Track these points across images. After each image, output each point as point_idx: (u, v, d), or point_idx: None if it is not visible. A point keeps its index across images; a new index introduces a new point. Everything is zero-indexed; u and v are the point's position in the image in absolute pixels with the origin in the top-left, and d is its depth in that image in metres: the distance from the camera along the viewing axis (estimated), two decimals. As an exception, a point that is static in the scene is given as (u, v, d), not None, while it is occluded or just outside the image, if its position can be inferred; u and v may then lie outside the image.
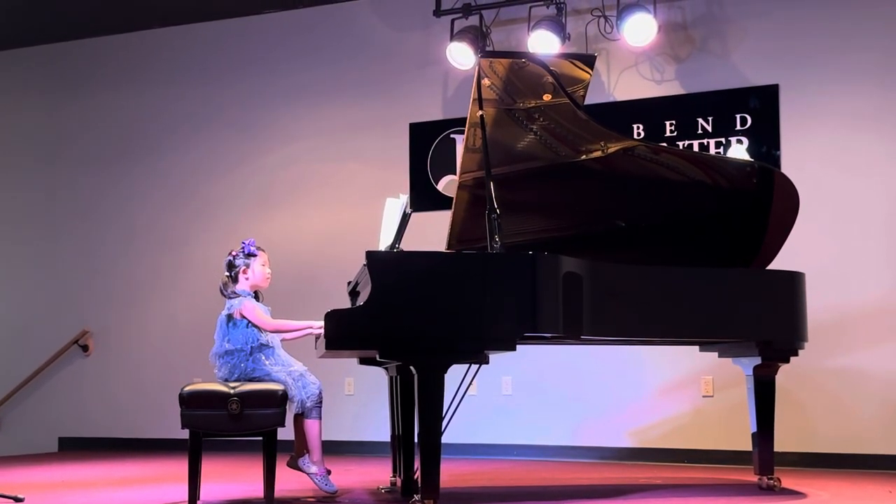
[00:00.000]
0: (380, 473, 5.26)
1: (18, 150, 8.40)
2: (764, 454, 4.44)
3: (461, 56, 6.71)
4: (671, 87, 6.59)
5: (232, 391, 4.04)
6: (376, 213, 4.48)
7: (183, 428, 4.03)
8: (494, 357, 3.97)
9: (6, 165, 8.39)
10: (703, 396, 6.25)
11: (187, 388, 4.08)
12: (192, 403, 4.02)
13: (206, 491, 4.39)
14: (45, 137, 8.31)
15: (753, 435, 4.48)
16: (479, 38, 6.71)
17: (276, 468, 4.09)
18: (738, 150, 6.31)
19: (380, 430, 6.08)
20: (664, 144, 6.25)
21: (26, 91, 8.46)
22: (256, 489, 4.48)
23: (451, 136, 7.10)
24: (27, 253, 8.24)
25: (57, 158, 8.24)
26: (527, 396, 6.65)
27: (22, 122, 8.40)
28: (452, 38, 6.75)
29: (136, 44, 8.16)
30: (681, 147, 6.34)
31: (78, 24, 8.00)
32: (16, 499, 4.44)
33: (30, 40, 8.29)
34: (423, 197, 6.95)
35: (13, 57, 8.48)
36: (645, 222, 4.62)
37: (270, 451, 4.06)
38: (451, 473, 5.35)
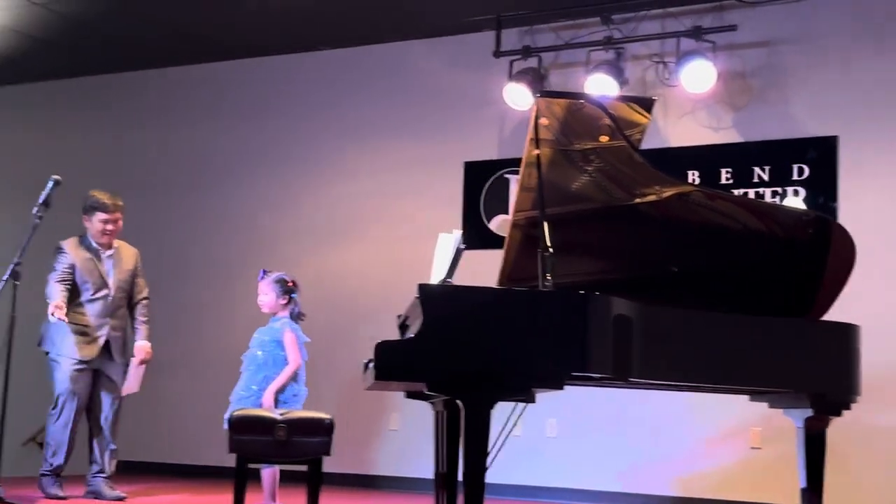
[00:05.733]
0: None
1: (85, 176, 8.53)
2: (813, 510, 4.35)
3: (518, 97, 6.77)
4: (728, 135, 6.58)
5: (279, 417, 4.08)
6: (428, 249, 4.50)
7: (230, 452, 4.07)
8: (540, 399, 3.95)
9: (72, 190, 8.53)
10: (752, 448, 6.15)
11: (236, 414, 4.14)
12: (241, 429, 4.06)
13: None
14: (111, 164, 8.45)
15: (802, 490, 4.38)
16: (537, 80, 6.76)
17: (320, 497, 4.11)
18: (795, 201, 6.26)
19: (424, 466, 6.07)
20: (719, 191, 6.21)
21: (97, 118, 8.65)
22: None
23: (505, 175, 7.13)
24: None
25: (119, 185, 8.33)
26: (571, 440, 6.60)
27: (90, 148, 8.56)
28: (511, 78, 6.81)
29: (203, 76, 8.33)
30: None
31: (149, 55, 8.20)
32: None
33: (104, 69, 8.50)
34: (475, 235, 6.97)
35: (87, 84, 8.69)
36: (697, 268, 4.58)
37: (315, 480, 4.08)
38: (493, 513, 5.31)
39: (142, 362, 5.67)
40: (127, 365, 5.67)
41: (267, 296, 5.02)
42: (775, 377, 4.15)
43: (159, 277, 8.09)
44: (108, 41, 7.88)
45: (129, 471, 7.76)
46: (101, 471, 5.64)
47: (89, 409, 5.69)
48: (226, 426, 4.69)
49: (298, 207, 7.80)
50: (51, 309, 5.26)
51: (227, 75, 8.25)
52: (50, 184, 5.07)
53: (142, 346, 5.71)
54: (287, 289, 5.02)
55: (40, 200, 5.11)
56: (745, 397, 4.78)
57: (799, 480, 4.40)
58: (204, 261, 8.03)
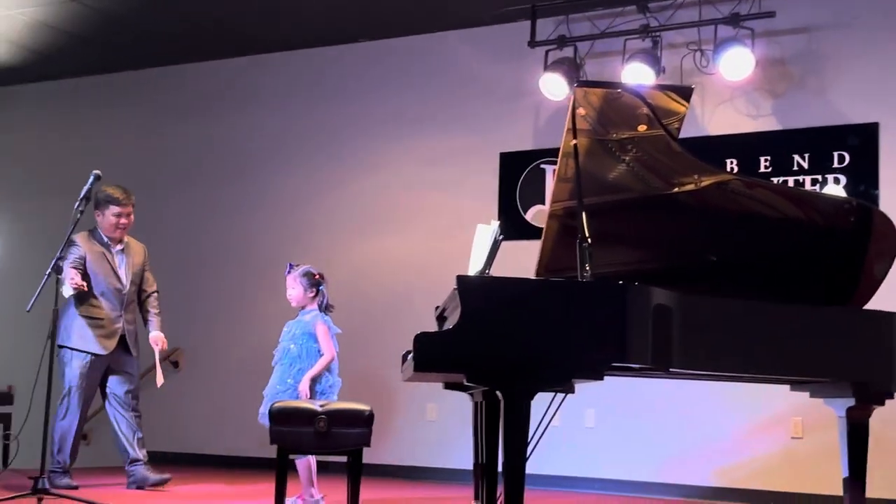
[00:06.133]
0: (458, 501, 5.24)
1: (119, 170, 8.61)
2: (855, 500, 4.31)
3: (554, 87, 6.74)
4: (767, 123, 6.51)
5: (320, 409, 4.11)
6: (464, 240, 4.51)
7: (272, 444, 4.11)
8: (578, 389, 3.94)
9: (107, 185, 8.64)
10: (792, 438, 6.11)
11: (277, 405, 4.17)
12: (281, 420, 4.10)
13: (289, 508, 4.45)
14: (143, 160, 8.53)
15: (845, 480, 4.34)
16: (573, 70, 6.73)
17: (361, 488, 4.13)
18: (835, 189, 6.19)
19: (462, 457, 6.08)
20: (759, 179, 6.16)
21: (131, 114, 8.72)
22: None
23: (541, 166, 7.11)
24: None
25: (157, 179, 8.46)
26: (610, 430, 6.59)
27: (123, 143, 8.63)
28: (546, 68, 6.79)
29: (236, 71, 8.37)
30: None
31: (182, 50, 8.26)
32: (107, 507, 4.58)
33: (137, 64, 8.58)
34: (511, 226, 6.95)
35: (120, 80, 8.77)
36: (737, 257, 4.55)
37: (356, 471, 4.11)
38: (532, 503, 5.31)
39: (160, 352, 5.75)
40: (155, 360, 5.74)
41: (294, 289, 5.05)
42: (816, 366, 4.11)
43: (193, 270, 8.19)
44: (141, 36, 7.94)
45: (162, 461, 7.85)
46: (137, 459, 5.72)
47: (107, 403, 5.76)
48: (261, 420, 4.74)
49: (333, 199, 7.83)
50: (70, 277, 5.25)
51: (260, 69, 8.29)
52: (91, 178, 5.12)
53: (158, 337, 5.78)
54: (314, 281, 5.04)
55: (81, 195, 5.16)
56: (786, 387, 4.75)
57: (841, 470, 4.37)
58: (238, 253, 8.08)
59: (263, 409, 4.79)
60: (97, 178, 5.13)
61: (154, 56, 8.40)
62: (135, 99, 8.72)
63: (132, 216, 5.82)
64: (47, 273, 4.99)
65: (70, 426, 5.57)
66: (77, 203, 5.17)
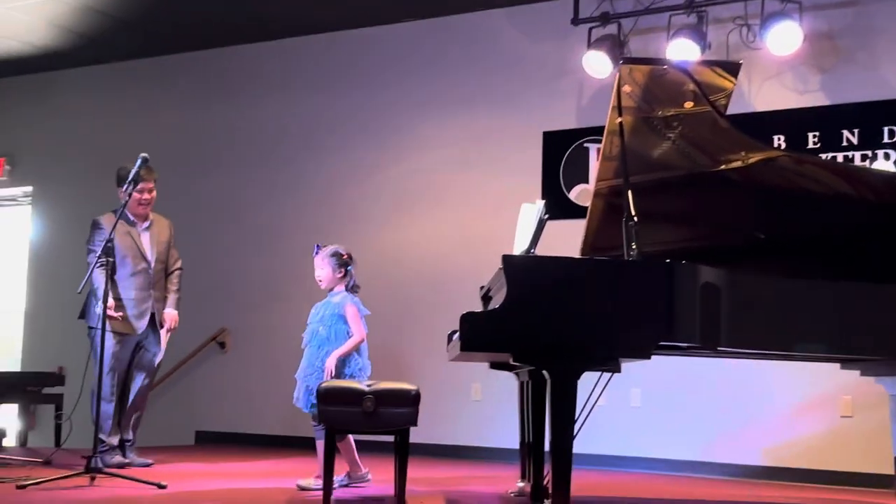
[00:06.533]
0: (504, 480, 5.25)
1: (163, 153, 8.72)
2: (907, 479, 4.26)
3: (598, 65, 6.68)
4: (815, 98, 6.41)
5: (367, 389, 4.13)
6: (508, 220, 4.49)
7: (319, 423, 4.14)
8: (624, 368, 3.93)
9: (130, 163, 8.72)
10: (842, 417, 6.04)
11: (324, 385, 4.20)
12: (329, 400, 4.13)
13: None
14: (189, 141, 8.61)
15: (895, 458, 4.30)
16: (616, 47, 6.67)
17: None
18: (886, 165, 6.09)
19: (506, 435, 6.09)
20: (807, 155, 6.08)
21: (176, 96, 8.78)
22: (387, 488, 4.58)
23: (585, 144, 7.07)
24: (171, 252, 8.55)
25: (199, 161, 8.53)
26: (655, 409, 6.56)
27: (167, 125, 8.70)
28: (589, 46, 6.73)
29: (279, 52, 8.39)
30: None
31: (224, 33, 8.29)
32: (159, 485, 4.66)
33: (180, 47, 8.63)
34: (555, 205, 6.91)
35: (164, 63, 8.84)
36: (785, 235, 4.50)
37: (403, 450, 4.13)
38: (578, 482, 5.28)
39: (168, 330, 5.82)
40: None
41: (323, 269, 4.99)
42: (868, 344, 4.06)
43: (233, 250, 8.25)
44: (183, 20, 7.98)
45: (210, 441, 7.97)
46: (128, 439, 5.78)
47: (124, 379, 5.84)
48: (296, 404, 4.77)
49: (375, 180, 7.83)
50: (111, 314, 5.38)
51: (303, 51, 8.29)
52: (139, 161, 5.16)
53: (169, 314, 5.84)
54: (343, 261, 4.99)
55: (129, 177, 5.22)
56: (836, 365, 4.69)
57: (892, 449, 4.32)
58: (279, 234, 8.11)
59: (297, 394, 4.82)
60: (145, 161, 5.18)
61: (195, 40, 8.44)
62: (176, 82, 8.77)
63: (154, 192, 5.84)
64: (98, 256, 5.06)
65: (107, 406, 5.63)
66: (126, 185, 5.23)
